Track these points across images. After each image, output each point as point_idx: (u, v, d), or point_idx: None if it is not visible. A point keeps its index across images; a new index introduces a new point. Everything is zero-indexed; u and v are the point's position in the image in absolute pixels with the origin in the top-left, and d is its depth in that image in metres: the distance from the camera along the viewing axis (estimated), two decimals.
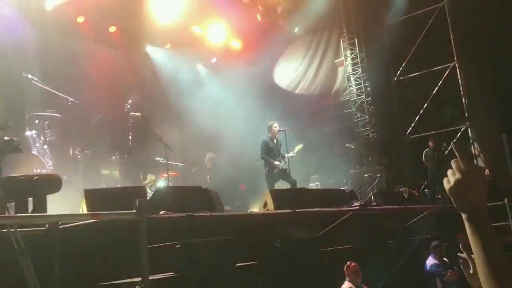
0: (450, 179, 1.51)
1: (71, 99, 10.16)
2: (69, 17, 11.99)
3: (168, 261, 4.35)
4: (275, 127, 10.67)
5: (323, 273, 6.28)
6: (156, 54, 14.64)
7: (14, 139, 3.62)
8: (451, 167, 1.53)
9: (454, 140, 13.86)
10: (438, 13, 14.27)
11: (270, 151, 10.56)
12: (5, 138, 3.51)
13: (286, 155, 10.46)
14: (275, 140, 10.67)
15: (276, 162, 10.40)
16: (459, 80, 14.06)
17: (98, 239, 4.36)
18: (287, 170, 10.45)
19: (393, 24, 15.21)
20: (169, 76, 14.52)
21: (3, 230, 3.23)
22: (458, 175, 1.48)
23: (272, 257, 5.71)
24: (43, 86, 9.76)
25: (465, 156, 1.49)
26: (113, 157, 10.70)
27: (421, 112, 14.61)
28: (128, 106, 10.73)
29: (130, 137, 10.85)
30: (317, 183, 14.17)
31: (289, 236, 6.38)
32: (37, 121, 9.57)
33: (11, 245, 3.20)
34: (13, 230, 3.26)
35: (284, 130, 10.62)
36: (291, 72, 17.05)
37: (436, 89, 14.32)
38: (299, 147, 10.76)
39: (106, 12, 12.37)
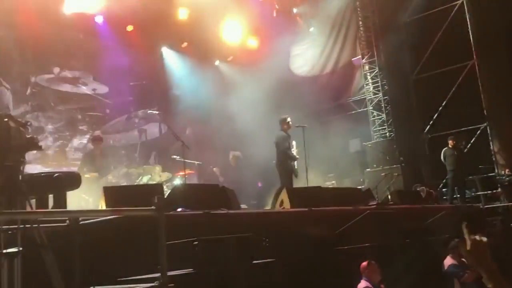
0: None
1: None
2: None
3: (186, 257, 4.39)
4: (290, 121, 10.47)
5: (340, 272, 6.27)
6: (172, 53, 14.76)
7: (35, 136, 3.70)
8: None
9: (472, 140, 13.70)
10: (457, 10, 14.10)
11: (289, 145, 10.34)
12: (27, 136, 3.58)
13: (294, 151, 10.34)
14: (289, 136, 10.47)
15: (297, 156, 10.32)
16: (478, 78, 13.87)
17: (118, 235, 4.42)
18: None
19: (411, 21, 15.06)
20: (185, 74, 14.63)
21: (27, 226, 3.30)
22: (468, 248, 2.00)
23: (288, 255, 5.72)
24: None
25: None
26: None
27: (439, 110, 14.45)
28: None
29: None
30: (333, 182, 14.13)
31: (305, 235, 6.39)
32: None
33: (34, 240, 3.27)
34: (36, 225, 3.34)
35: (303, 127, 10.41)
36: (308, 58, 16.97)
37: (454, 87, 14.15)
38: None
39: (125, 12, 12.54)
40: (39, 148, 3.59)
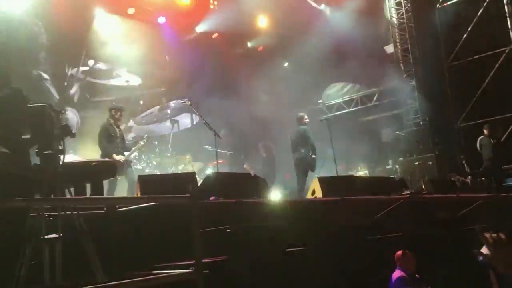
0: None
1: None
2: None
3: (220, 244, 4.45)
4: (306, 118, 10.86)
5: (372, 261, 6.22)
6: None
7: (68, 124, 3.82)
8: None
9: (510, 128, 13.30)
10: None
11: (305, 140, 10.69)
12: (62, 124, 3.70)
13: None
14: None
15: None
16: None
17: (153, 222, 4.51)
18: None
19: (445, 7, 14.69)
20: (216, 62, 14.70)
21: (67, 212, 3.41)
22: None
23: (320, 243, 5.72)
24: None
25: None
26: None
27: (475, 98, 14.08)
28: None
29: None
30: (366, 171, 14.01)
31: (338, 224, 6.37)
32: None
33: (74, 226, 3.38)
34: (75, 212, 3.45)
35: (327, 119, 10.95)
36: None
37: (491, 74, 13.75)
38: None
39: None
40: (72, 135, 3.70)
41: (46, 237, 3.37)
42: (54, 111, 3.47)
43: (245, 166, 12.69)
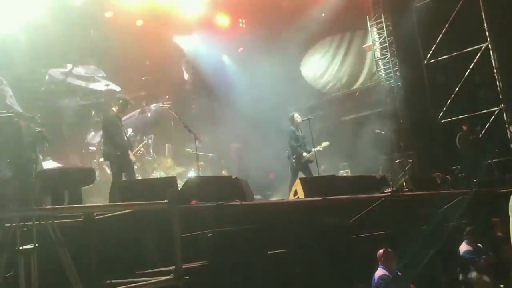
0: None
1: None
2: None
3: (200, 249, 4.41)
4: (297, 117, 10.54)
5: (356, 260, 6.24)
6: (183, 44, 14.78)
7: (42, 129, 3.71)
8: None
9: (488, 124, 13.49)
10: None
11: (297, 140, 10.44)
12: (36, 129, 3.60)
13: (313, 149, 10.31)
14: (300, 130, 10.56)
15: (304, 154, 10.27)
16: (493, 61, 13.64)
17: (132, 229, 4.45)
18: (311, 163, 10.39)
19: (422, 5, 14.83)
20: (195, 66, 14.65)
21: (41, 222, 3.33)
22: None
23: (303, 244, 5.71)
24: None
25: None
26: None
27: (453, 95, 14.25)
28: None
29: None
30: (347, 170, 14.06)
31: (320, 224, 6.37)
32: None
33: (49, 236, 3.30)
34: (50, 221, 3.37)
35: (308, 119, 10.52)
36: (317, 61, 16.93)
37: (468, 71, 13.93)
38: (325, 144, 10.54)
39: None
40: (48, 141, 3.60)
41: (20, 248, 3.28)
42: (25, 118, 3.38)
43: (223, 172, 12.59)
